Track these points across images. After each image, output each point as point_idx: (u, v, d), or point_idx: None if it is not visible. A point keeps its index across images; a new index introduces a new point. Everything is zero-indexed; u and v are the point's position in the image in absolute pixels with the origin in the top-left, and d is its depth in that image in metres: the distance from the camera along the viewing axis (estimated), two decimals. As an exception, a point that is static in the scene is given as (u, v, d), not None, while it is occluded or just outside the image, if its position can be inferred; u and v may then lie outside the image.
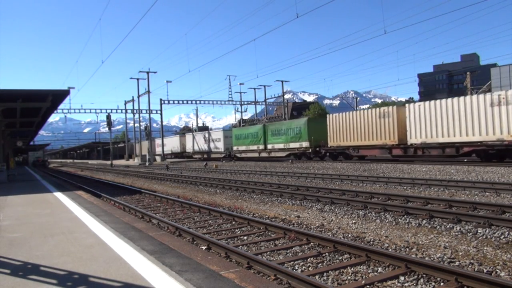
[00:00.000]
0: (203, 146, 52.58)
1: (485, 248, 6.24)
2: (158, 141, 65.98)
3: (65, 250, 5.41)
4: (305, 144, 34.69)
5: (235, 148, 45.66)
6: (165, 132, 74.86)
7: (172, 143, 63.14)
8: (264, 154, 41.37)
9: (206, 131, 56.70)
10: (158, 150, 63.75)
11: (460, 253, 6.01)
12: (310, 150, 34.09)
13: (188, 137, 58.28)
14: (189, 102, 59.43)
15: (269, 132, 40.14)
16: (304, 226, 8.51)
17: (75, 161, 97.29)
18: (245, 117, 72.89)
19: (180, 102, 58.12)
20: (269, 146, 40.18)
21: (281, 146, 38.09)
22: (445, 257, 5.77)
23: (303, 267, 5.55)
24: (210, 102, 59.79)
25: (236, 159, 44.82)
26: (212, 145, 50.56)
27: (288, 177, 20.11)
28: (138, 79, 56.02)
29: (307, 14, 23.28)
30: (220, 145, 48.71)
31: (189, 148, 57.02)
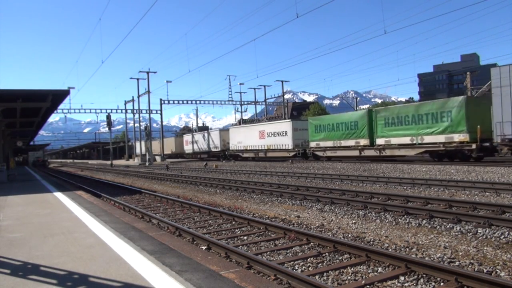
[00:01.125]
0: (258, 142, 41.08)
1: (485, 248, 6.24)
2: (187, 138, 58.32)
3: (65, 250, 5.41)
4: (459, 136, 22.93)
5: (313, 144, 33.50)
6: (165, 132, 74.71)
7: (208, 140, 51.85)
8: (370, 153, 28.60)
9: (264, 122, 46.27)
10: (187, 148, 56.74)
11: (460, 253, 6.01)
12: (474, 146, 22.29)
13: (234, 131, 46.58)
14: (189, 102, 59.54)
15: (379, 120, 27.65)
16: (304, 226, 8.51)
17: (75, 161, 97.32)
18: (245, 117, 72.93)
19: (180, 102, 58.22)
20: (380, 141, 27.56)
21: (407, 140, 25.79)
22: (445, 257, 5.77)
23: (303, 267, 5.55)
24: (210, 102, 59.89)
25: (317, 159, 33.52)
26: (273, 140, 38.89)
27: (288, 177, 20.11)
28: (138, 79, 56.13)
29: (307, 14, 23.31)
30: (287, 141, 37.00)
31: (235, 145, 45.11)
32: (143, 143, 62.63)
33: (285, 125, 38.12)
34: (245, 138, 43.28)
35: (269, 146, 39.62)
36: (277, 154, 38.96)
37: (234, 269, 4.61)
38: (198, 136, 55.25)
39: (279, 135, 38.38)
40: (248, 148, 42.94)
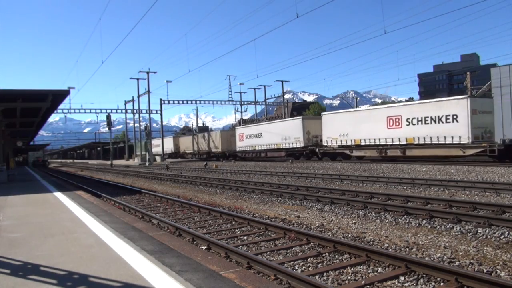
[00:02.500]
0: (387, 133, 26.97)
1: (485, 248, 6.24)
2: (242, 131, 44.88)
3: (65, 250, 5.41)
4: None
5: None
6: (165, 132, 74.57)
7: (282, 131, 37.25)
8: None
9: (402, 103, 31.11)
10: (243, 144, 43.79)
11: (460, 253, 6.01)
12: None
13: (333, 118, 31.79)
14: (189, 102, 59.44)
15: None
16: (304, 226, 8.51)
17: (75, 161, 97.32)
18: (245, 117, 72.91)
19: (180, 102, 58.12)
20: None
21: None
22: (445, 257, 5.77)
23: (303, 267, 5.55)
24: (210, 102, 59.79)
25: None
26: (420, 130, 24.94)
27: (288, 177, 20.11)
28: (138, 79, 56.06)
29: (307, 14, 23.28)
30: (458, 130, 23.07)
31: (335, 138, 30.77)
32: (169, 139, 57.54)
33: (455, 105, 23.56)
34: (356, 128, 29.13)
35: (411, 140, 25.52)
36: (431, 152, 24.60)
37: (234, 269, 4.62)
38: (264, 128, 40.90)
39: (436, 121, 24.26)
40: (362, 143, 28.72)
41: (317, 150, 33.40)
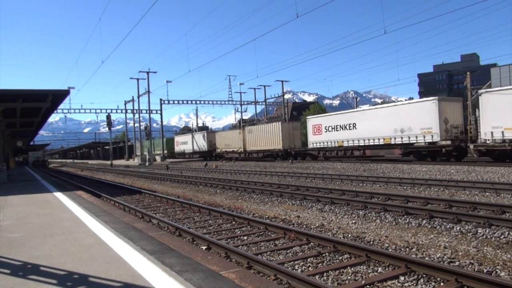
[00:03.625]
0: None
1: (485, 248, 6.24)
2: (316, 121, 33.33)
3: (65, 250, 5.41)
4: None
5: None
6: (165, 132, 74.53)
7: (395, 119, 25.99)
8: None
9: None
10: (320, 138, 32.19)
11: (460, 253, 6.01)
12: None
13: (497, 99, 20.61)
14: (189, 102, 59.42)
15: None
16: (304, 226, 8.51)
17: (75, 161, 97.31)
18: (245, 117, 72.87)
19: (180, 102, 58.12)
20: None
21: None
22: (445, 257, 5.77)
23: (303, 267, 5.55)
24: (210, 102, 59.79)
25: None
26: None
27: (288, 177, 20.10)
28: (138, 79, 56.04)
29: (307, 14, 23.27)
30: None
31: (508, 126, 19.84)
32: (199, 135, 53.86)
33: None
34: None
35: None
36: None
37: (234, 269, 4.62)
38: (359, 115, 29.62)
39: None
40: None
41: (471, 147, 21.94)
